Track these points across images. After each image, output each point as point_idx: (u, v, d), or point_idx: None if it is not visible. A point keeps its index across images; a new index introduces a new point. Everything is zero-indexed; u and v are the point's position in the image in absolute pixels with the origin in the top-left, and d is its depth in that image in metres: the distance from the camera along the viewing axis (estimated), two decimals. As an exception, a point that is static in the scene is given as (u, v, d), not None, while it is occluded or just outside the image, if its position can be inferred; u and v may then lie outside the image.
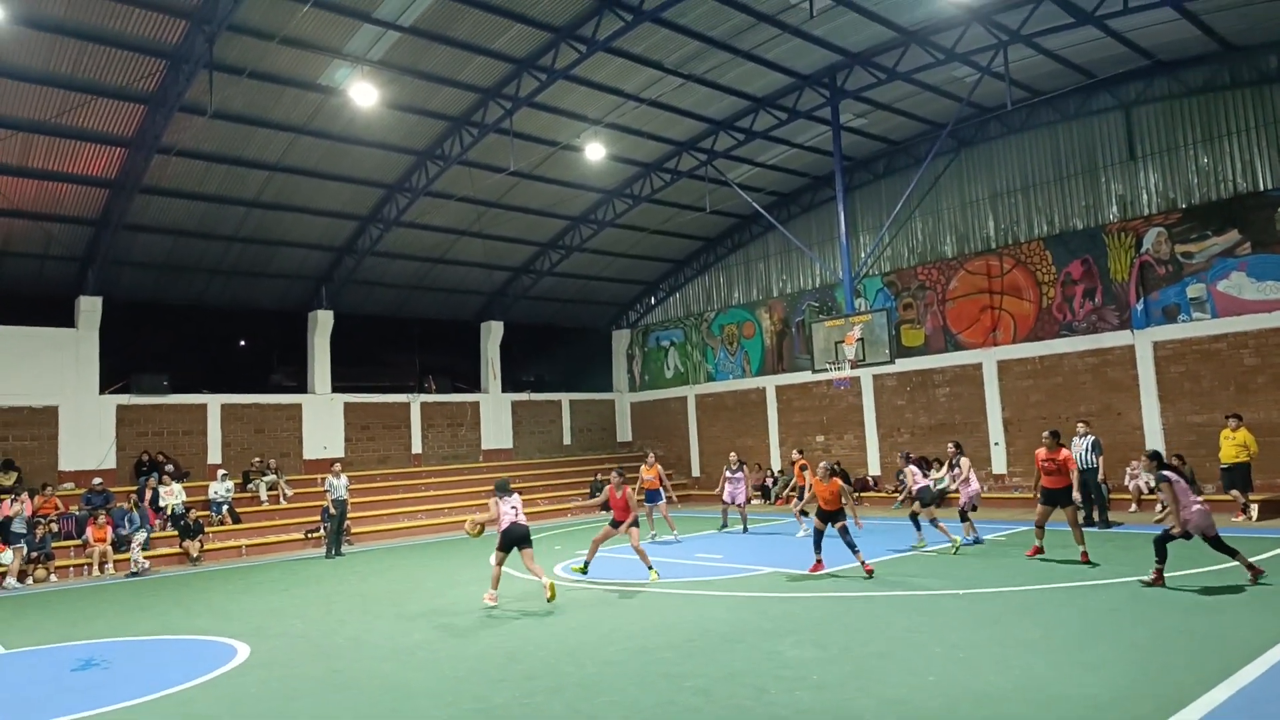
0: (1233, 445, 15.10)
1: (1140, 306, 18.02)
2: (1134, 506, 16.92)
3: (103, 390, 19.32)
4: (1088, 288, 18.85)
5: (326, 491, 17.50)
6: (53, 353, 18.71)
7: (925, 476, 14.04)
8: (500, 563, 10.78)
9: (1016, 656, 7.04)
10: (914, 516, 13.74)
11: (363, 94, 15.40)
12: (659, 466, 17.34)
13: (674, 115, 19.49)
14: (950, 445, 14.69)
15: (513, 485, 11.50)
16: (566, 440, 27.84)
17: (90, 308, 19.03)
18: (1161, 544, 9.61)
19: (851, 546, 11.31)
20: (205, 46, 13.72)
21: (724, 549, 14.91)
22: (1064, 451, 11.98)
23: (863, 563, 11.29)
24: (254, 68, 15.07)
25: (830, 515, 11.65)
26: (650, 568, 11.97)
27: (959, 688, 6.34)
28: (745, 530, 17.50)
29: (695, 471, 26.76)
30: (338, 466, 18.08)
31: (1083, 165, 19.18)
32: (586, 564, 12.66)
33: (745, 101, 19.37)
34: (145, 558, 16.14)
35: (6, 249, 18.13)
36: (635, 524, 12.29)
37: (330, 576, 14.36)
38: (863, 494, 21.98)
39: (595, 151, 19.18)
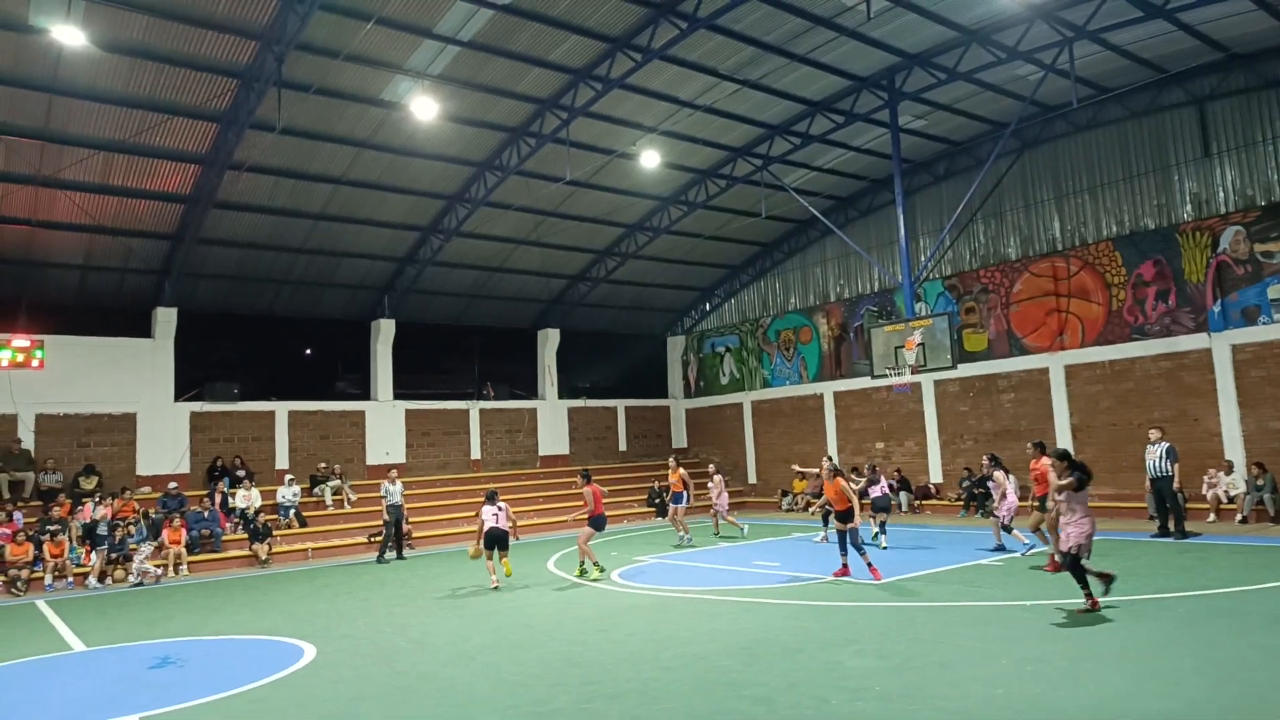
0: None
1: (1217, 308, 17.33)
2: (1212, 516, 16.25)
3: (177, 398, 20.08)
4: (1160, 289, 18.20)
5: (383, 497, 17.89)
6: (131, 362, 19.53)
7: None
8: (488, 557, 13.09)
9: (1089, 670, 6.82)
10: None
11: (424, 108, 15.74)
12: (682, 470, 18.39)
13: (729, 121, 19.45)
14: (985, 458, 14.40)
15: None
16: (622, 446, 27.92)
17: (166, 318, 19.81)
18: (1077, 568, 8.88)
19: (858, 549, 11.62)
20: (274, 65, 14.20)
21: (781, 556, 14.77)
22: (1044, 461, 12.08)
23: (870, 565, 11.52)
24: (320, 84, 15.53)
25: (842, 516, 11.94)
26: (596, 564, 13.38)
27: (1028, 702, 6.17)
28: (717, 533, 18.57)
29: (752, 478, 26.57)
30: (394, 472, 18.46)
31: (1154, 163, 18.53)
32: (597, 565, 13.45)
33: (801, 105, 19.22)
34: (155, 565, 16.15)
35: (89, 263, 18.98)
36: (596, 525, 13.49)
37: (393, 580, 14.64)
38: (924, 501, 21.58)
39: (650, 159, 19.25)
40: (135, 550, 16.06)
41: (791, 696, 6.61)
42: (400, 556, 17.67)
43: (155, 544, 16.58)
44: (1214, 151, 17.69)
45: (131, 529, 16.82)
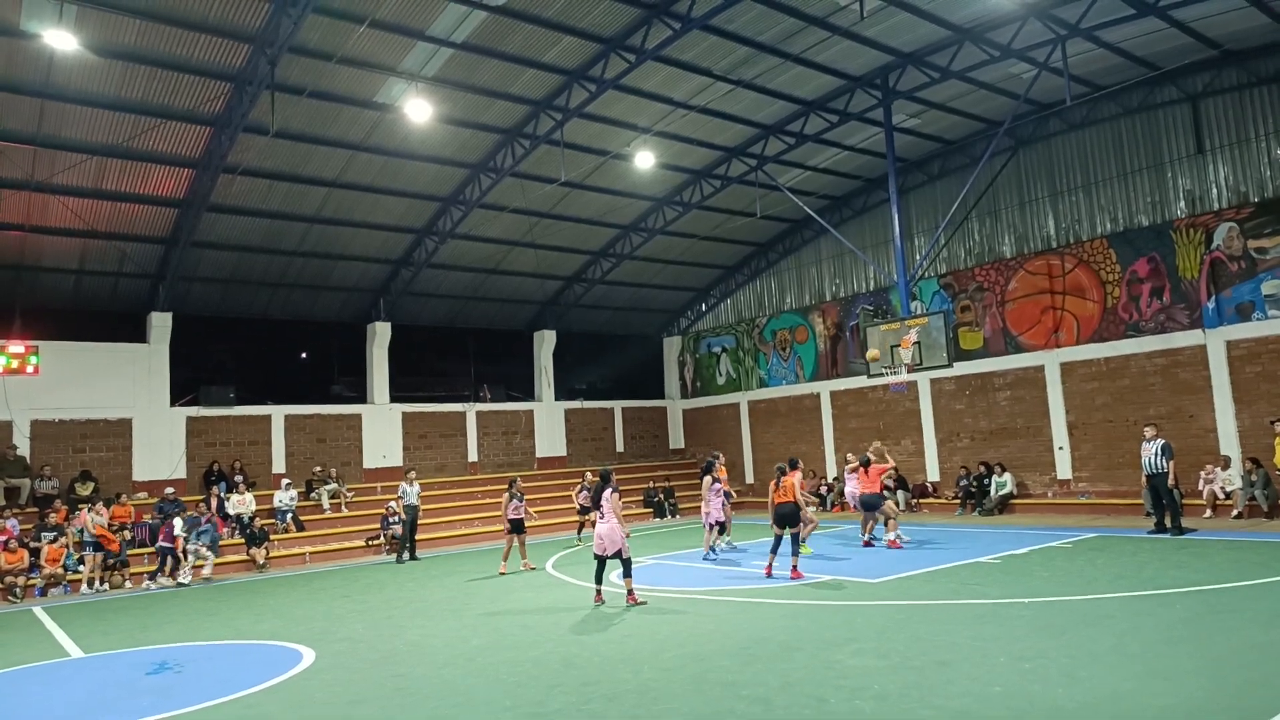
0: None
1: (1212, 304, 17.37)
2: (1208, 512, 16.29)
3: (173, 403, 20.03)
4: (1155, 286, 18.25)
5: (400, 497, 18.12)
6: (127, 367, 19.46)
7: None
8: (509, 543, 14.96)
9: (1086, 668, 6.83)
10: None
11: (417, 110, 15.72)
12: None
13: (723, 121, 19.46)
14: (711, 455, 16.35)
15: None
16: (620, 448, 27.90)
17: (161, 323, 19.75)
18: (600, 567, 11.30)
19: (795, 551, 12.34)
20: (268, 68, 14.17)
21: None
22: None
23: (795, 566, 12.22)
24: (313, 87, 15.51)
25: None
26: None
27: (1025, 699, 6.18)
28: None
29: (749, 478, 26.58)
30: (412, 474, 18.65)
31: (1148, 160, 18.58)
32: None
33: (795, 105, 19.24)
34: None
35: (84, 268, 18.93)
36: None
37: (390, 583, 14.62)
38: (921, 500, 21.60)
39: (645, 160, 19.25)
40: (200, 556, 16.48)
41: (790, 696, 6.61)
42: (414, 557, 17.84)
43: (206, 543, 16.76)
44: (1208, 148, 17.74)
45: (129, 534, 16.79)
